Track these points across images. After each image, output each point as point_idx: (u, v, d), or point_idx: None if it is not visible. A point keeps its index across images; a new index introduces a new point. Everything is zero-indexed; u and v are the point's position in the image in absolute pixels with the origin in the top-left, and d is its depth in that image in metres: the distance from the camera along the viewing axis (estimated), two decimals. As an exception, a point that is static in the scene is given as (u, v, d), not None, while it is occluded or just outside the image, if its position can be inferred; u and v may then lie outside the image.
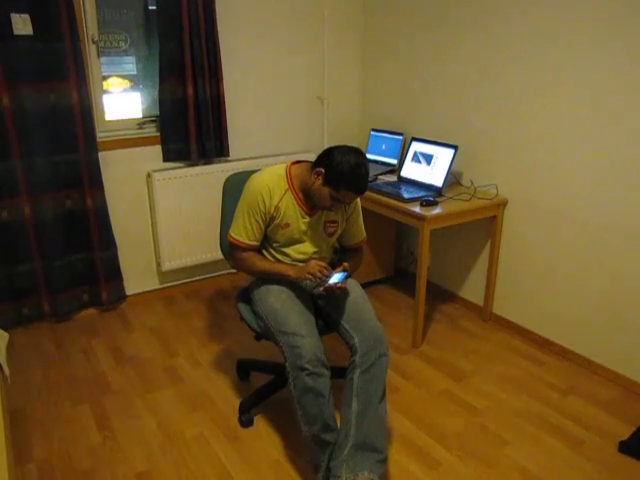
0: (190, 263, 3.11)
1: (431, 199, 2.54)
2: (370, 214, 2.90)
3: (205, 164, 3.06)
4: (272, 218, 1.85)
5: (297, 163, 1.91)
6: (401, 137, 3.19)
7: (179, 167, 2.99)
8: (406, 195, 2.61)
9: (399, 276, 3.45)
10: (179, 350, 2.62)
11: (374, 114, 3.51)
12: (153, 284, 3.15)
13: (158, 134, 2.91)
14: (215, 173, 3.03)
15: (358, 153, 1.73)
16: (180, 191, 2.96)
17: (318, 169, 1.75)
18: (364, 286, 3.25)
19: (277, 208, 1.83)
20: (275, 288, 1.88)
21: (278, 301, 1.82)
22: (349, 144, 1.87)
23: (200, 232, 3.09)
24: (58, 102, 2.53)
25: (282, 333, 1.74)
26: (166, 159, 2.94)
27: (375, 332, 1.79)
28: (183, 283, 3.24)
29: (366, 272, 3.24)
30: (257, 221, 1.84)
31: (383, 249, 3.33)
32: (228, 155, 3.08)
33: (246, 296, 2.06)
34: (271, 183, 1.82)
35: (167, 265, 3.03)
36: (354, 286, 1.95)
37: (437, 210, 2.47)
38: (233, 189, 2.10)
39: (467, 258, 3.03)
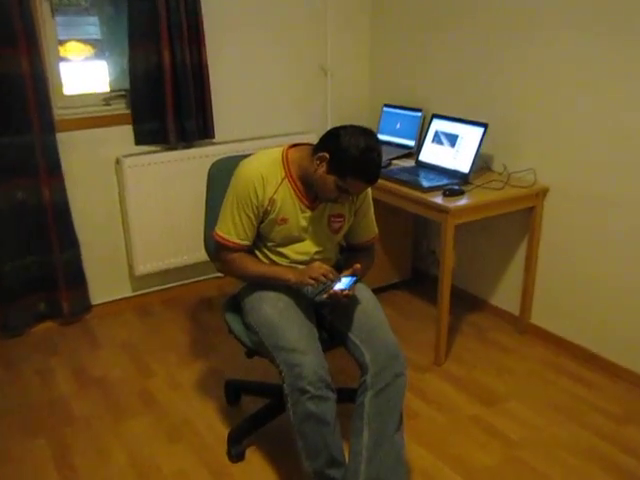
0: (169, 266, 3.12)
1: (456, 188, 2.55)
2: (383, 206, 2.89)
3: (185, 148, 3.06)
4: (266, 212, 1.86)
5: (296, 146, 1.91)
6: (419, 114, 3.20)
7: (154, 151, 2.99)
8: (426, 183, 2.62)
9: (418, 280, 3.46)
10: (156, 370, 2.63)
11: (387, 87, 3.51)
12: (124, 291, 3.15)
13: (128, 112, 2.91)
14: (198, 158, 3.04)
15: (369, 134, 1.74)
16: (156, 180, 2.96)
17: (321, 154, 1.76)
18: (376, 292, 3.15)
19: (272, 200, 1.84)
20: (270, 295, 1.88)
21: (274, 310, 1.83)
22: (357, 123, 1.87)
23: (181, 229, 3.10)
24: (4, 72, 2.50)
25: (279, 349, 1.74)
26: (139, 142, 2.94)
27: (390, 347, 1.80)
28: (160, 290, 3.25)
29: (378, 275, 3.25)
30: (248, 216, 1.85)
31: (398, 248, 3.33)
32: (213, 137, 3.09)
33: (235, 305, 2.07)
34: (265, 170, 1.83)
35: (141, 269, 3.04)
36: (364, 292, 1.96)
37: (463, 201, 2.48)
38: (220, 177, 2.10)
39: (499, 258, 3.03)
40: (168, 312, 3.15)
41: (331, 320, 1.95)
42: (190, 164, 3.03)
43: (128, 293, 3.17)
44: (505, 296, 3.03)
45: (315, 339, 1.80)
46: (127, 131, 2.93)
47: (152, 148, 3.00)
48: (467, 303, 3.19)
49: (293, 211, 1.88)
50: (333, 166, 1.74)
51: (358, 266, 1.81)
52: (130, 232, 2.98)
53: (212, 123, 3.05)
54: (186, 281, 3.31)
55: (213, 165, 2.16)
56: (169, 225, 3.06)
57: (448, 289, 2.55)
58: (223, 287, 3.37)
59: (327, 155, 1.75)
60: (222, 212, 1.90)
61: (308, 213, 1.90)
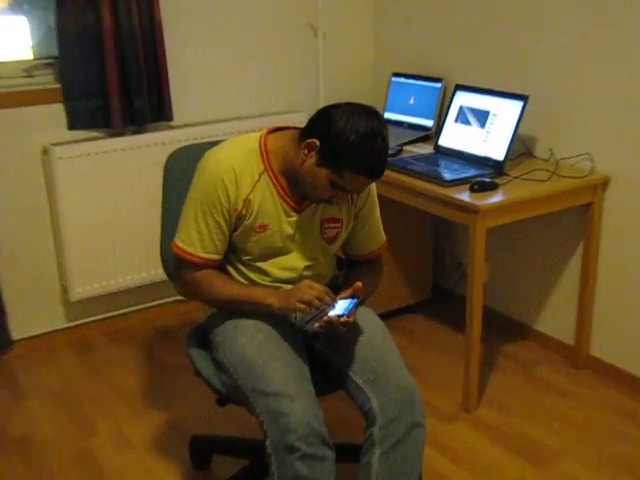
0: (114, 288, 3.13)
1: (487, 180, 2.56)
2: (392, 206, 2.89)
3: (135, 133, 3.07)
4: (240, 217, 1.88)
5: (277, 131, 1.93)
6: (439, 85, 3.22)
7: (93, 138, 3.00)
8: (448, 175, 2.63)
9: (440, 300, 3.46)
10: (98, 424, 2.63)
11: (396, 51, 3.51)
12: (57, 322, 3.16)
13: (58, 86, 2.92)
14: (151, 147, 3.05)
15: (371, 114, 1.76)
16: (96, 176, 2.97)
17: (310, 140, 1.78)
18: (385, 317, 3.13)
19: (247, 202, 1.86)
20: (247, 324, 1.89)
21: (252, 344, 1.84)
22: (357, 99, 1.91)
23: (130, 240, 3.12)
24: None
25: (259, 394, 1.75)
26: (72, 125, 2.95)
27: (404, 389, 1.81)
28: (104, 319, 3.26)
29: (389, 296, 3.24)
30: (217, 223, 1.87)
31: (415, 259, 3.35)
32: (171, 118, 3.10)
33: (202, 338, 2.07)
34: (237, 163, 1.85)
35: (78, 292, 3.05)
36: (369, 318, 1.97)
37: (497, 197, 2.48)
38: (180, 172, 2.11)
39: (546, 271, 3.04)
40: (115, 348, 3.14)
41: (327, 355, 1.95)
42: (141, 154, 3.05)
43: (62, 324, 3.17)
44: (555, 320, 3.04)
45: (306, 380, 1.81)
46: (57, 111, 2.93)
47: (90, 134, 3.01)
48: (504, 330, 3.19)
49: (275, 215, 1.90)
50: (325, 156, 1.76)
51: (360, 285, 1.82)
52: (63, 244, 2.99)
53: (169, 101, 3.06)
54: (138, 307, 3.33)
55: (171, 156, 2.17)
56: (114, 235, 3.08)
57: (479, 312, 2.56)
58: (186, 314, 3.38)
59: (317, 142, 1.77)
60: (183, 218, 1.91)
61: (294, 217, 1.92)
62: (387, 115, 3.42)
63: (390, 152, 2.85)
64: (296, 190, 1.90)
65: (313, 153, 1.79)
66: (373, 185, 2.03)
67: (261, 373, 1.78)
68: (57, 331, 3.17)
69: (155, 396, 2.81)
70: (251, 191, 1.87)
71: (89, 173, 2.97)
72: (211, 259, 1.91)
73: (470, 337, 2.60)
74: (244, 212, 1.87)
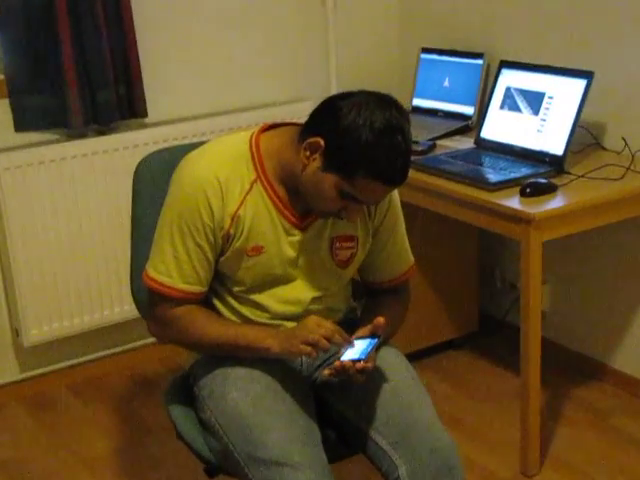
0: (78, 329, 3.15)
1: (543, 181, 2.55)
2: (425, 216, 2.92)
3: (99, 134, 3.10)
4: (227, 238, 1.87)
5: (272, 129, 1.93)
6: (480, 62, 3.22)
7: (47, 142, 3.03)
8: (492, 176, 2.62)
9: (489, 333, 3.45)
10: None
11: (426, 20, 3.52)
12: (8, 373, 3.18)
13: (1, 76, 2.94)
14: (120, 151, 3.09)
15: (388, 105, 1.75)
16: (52, 189, 3.00)
17: (312, 140, 1.77)
18: (421, 356, 3.26)
19: (236, 218, 1.86)
20: (240, 374, 1.89)
21: (246, 400, 1.83)
22: (379, 84, 1.89)
23: (96, 269, 3.13)
24: None
25: (256, 462, 1.74)
26: (20, 126, 2.99)
27: (440, 452, 1.80)
28: (67, 368, 3.26)
29: (425, 329, 3.26)
30: (199, 246, 1.86)
31: (456, 283, 3.35)
32: (145, 115, 3.13)
33: (186, 390, 2.05)
34: (222, 171, 1.85)
35: (33, 335, 3.07)
36: (394, 361, 1.98)
37: (555, 202, 2.48)
38: (153, 182, 2.12)
39: (624, 293, 3.02)
40: (80, 405, 3.13)
41: (342, 411, 1.94)
42: (108, 160, 3.07)
43: (13, 375, 3.18)
44: (636, 356, 3.03)
45: (314, 444, 1.80)
46: (0, 108, 2.96)
47: (43, 136, 3.04)
48: (572, 369, 3.15)
49: (272, 234, 1.89)
50: (332, 159, 1.75)
51: (381, 321, 1.82)
52: (12, 276, 3.01)
53: (141, 92, 3.09)
54: (109, 352, 3.33)
55: (142, 162, 2.17)
56: (77, 263, 3.10)
57: (537, 348, 2.55)
58: (171, 358, 3.36)
59: (321, 141, 1.76)
60: (157, 241, 1.91)
61: (297, 236, 1.91)
62: (416, 102, 3.44)
63: (420, 149, 2.93)
64: (298, 202, 1.89)
65: (317, 155, 1.78)
66: (395, 193, 2.02)
67: (258, 436, 1.77)
68: (7, 385, 3.17)
69: (131, 465, 2.80)
70: (240, 205, 1.86)
71: (43, 186, 2.99)
72: (192, 292, 1.90)
73: (527, 380, 2.57)
74: (232, 231, 1.86)
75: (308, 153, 1.79)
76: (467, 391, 3.13)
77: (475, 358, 3.36)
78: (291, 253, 1.92)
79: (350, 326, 1.91)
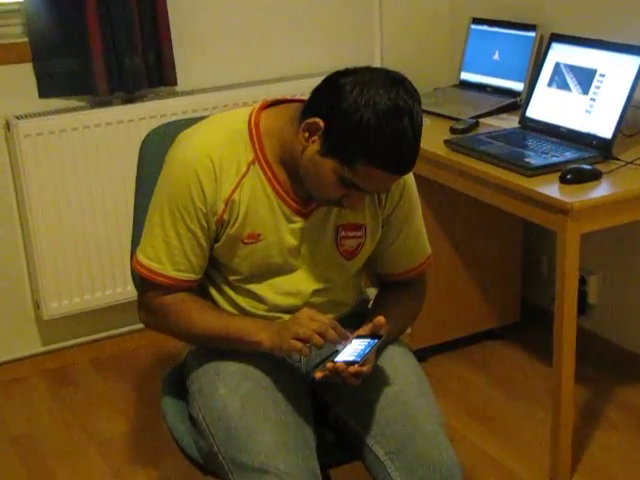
0: (101, 303, 3.16)
1: (586, 167, 2.49)
2: (464, 200, 2.87)
3: (126, 102, 3.08)
4: (221, 223, 1.83)
5: (274, 106, 1.88)
6: (532, 34, 3.15)
7: (72, 109, 3.02)
8: (533, 160, 2.57)
9: (532, 323, 3.40)
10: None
11: None
12: (28, 346, 3.19)
13: (25, 40, 2.94)
14: (147, 120, 3.07)
15: (395, 83, 1.67)
16: (75, 159, 3.00)
17: (312, 120, 1.70)
18: (457, 345, 3.28)
19: (230, 203, 1.80)
20: (233, 369, 1.85)
21: (234, 397, 1.79)
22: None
23: (119, 242, 3.10)
24: None
25: (239, 468, 1.71)
26: (44, 92, 2.98)
27: (440, 467, 1.73)
28: (91, 342, 3.28)
29: (462, 317, 3.28)
30: (191, 231, 1.82)
31: (498, 270, 3.34)
32: (174, 83, 3.11)
33: (182, 381, 2.03)
34: (216, 150, 1.80)
35: (54, 308, 3.08)
36: (400, 362, 1.93)
37: (598, 191, 2.43)
38: (159, 159, 2.00)
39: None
40: (101, 381, 3.16)
41: (340, 413, 1.89)
42: (134, 129, 3.04)
43: (35, 348, 3.20)
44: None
45: (306, 449, 1.75)
46: (24, 73, 2.96)
47: (68, 103, 3.03)
48: (618, 366, 3.10)
49: (271, 220, 1.84)
50: (332, 142, 1.69)
51: (382, 320, 1.75)
52: (33, 247, 3.01)
53: (171, 59, 3.06)
54: (133, 327, 3.30)
55: (148, 136, 2.15)
56: (100, 235, 3.11)
57: (572, 340, 2.48)
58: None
59: (321, 123, 1.68)
60: (147, 225, 1.87)
61: (299, 223, 1.86)
62: (464, 76, 3.43)
63: (461, 127, 2.95)
64: (301, 186, 1.83)
65: (316, 137, 1.70)
66: (410, 177, 1.93)
67: (243, 439, 1.72)
68: (29, 357, 3.20)
69: (145, 449, 2.79)
70: (236, 188, 1.80)
71: (66, 155, 2.98)
72: (184, 279, 1.85)
73: (560, 376, 2.51)
74: (226, 217, 1.81)
75: (307, 135, 1.72)
76: (502, 385, 3.08)
77: (514, 350, 3.30)
78: (292, 241, 1.86)
79: (361, 320, 1.87)
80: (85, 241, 3.08)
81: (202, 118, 2.00)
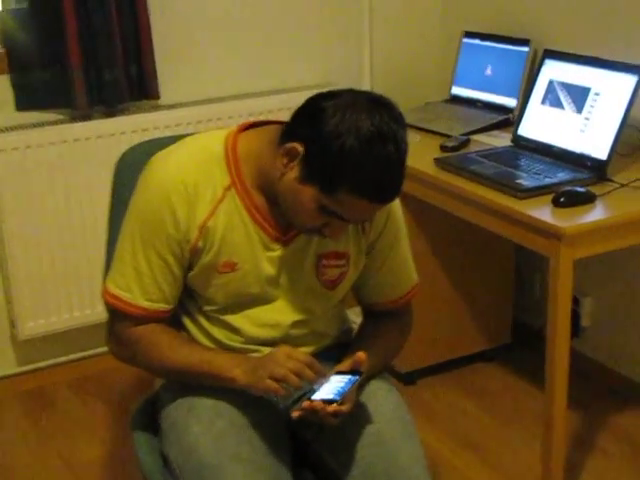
0: (79, 322, 3.13)
1: (579, 190, 2.46)
2: (454, 220, 2.82)
3: (106, 116, 3.08)
4: (196, 251, 1.78)
5: (252, 128, 1.85)
6: (526, 49, 3.15)
7: (49, 123, 3.01)
8: (525, 180, 2.55)
9: (523, 345, 3.40)
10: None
11: (470, 2, 3.49)
12: (3, 366, 3.18)
13: (2, 51, 2.92)
14: (128, 134, 3.07)
15: (379, 107, 1.64)
16: (53, 174, 2.98)
17: (290, 145, 1.67)
18: (447, 367, 3.27)
19: (204, 230, 1.77)
20: (206, 405, 1.82)
21: (207, 437, 1.76)
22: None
23: (99, 259, 3.01)
24: None
25: None
26: (21, 105, 2.96)
27: None
28: (68, 362, 3.25)
29: (453, 339, 3.27)
30: (163, 259, 1.78)
31: (489, 290, 3.34)
32: (157, 96, 3.11)
33: (154, 415, 1.99)
34: (190, 175, 1.76)
35: (30, 328, 3.06)
36: (383, 397, 1.89)
37: (592, 215, 2.40)
38: (135, 180, 1.98)
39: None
40: (80, 405, 3.13)
41: (319, 452, 1.87)
42: (114, 144, 2.98)
43: (10, 369, 3.18)
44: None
45: None
46: (1, 85, 2.95)
47: (46, 116, 3.03)
48: (611, 390, 3.09)
49: (247, 249, 1.80)
50: (312, 169, 1.65)
51: (362, 356, 1.71)
52: (9, 264, 3.01)
53: (154, 72, 3.07)
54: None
55: (124, 156, 2.14)
56: (79, 252, 3.09)
57: (564, 363, 2.44)
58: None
59: (300, 148, 1.64)
60: (117, 251, 1.84)
61: (278, 251, 1.82)
62: (455, 90, 3.43)
63: (452, 145, 2.92)
64: (280, 212, 1.78)
65: (294, 164, 1.66)
66: (396, 203, 1.89)
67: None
68: (3, 378, 3.18)
69: (122, 476, 2.75)
70: (211, 214, 1.76)
71: (43, 171, 2.97)
72: (156, 309, 1.81)
73: (552, 402, 2.47)
74: (200, 244, 1.76)
75: (285, 160, 1.68)
76: (491, 410, 3.06)
77: (505, 373, 3.28)
78: (270, 270, 1.82)
79: (343, 351, 1.87)
80: (63, 259, 3.06)
81: (183, 136, 1.97)
